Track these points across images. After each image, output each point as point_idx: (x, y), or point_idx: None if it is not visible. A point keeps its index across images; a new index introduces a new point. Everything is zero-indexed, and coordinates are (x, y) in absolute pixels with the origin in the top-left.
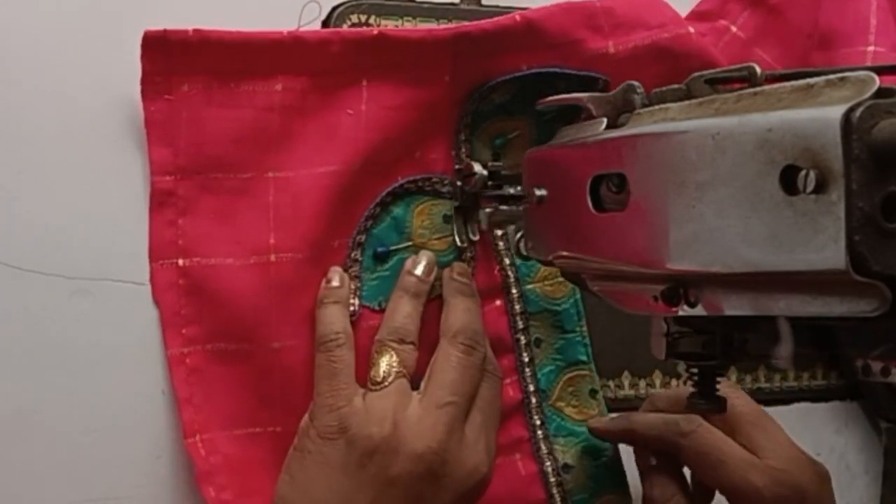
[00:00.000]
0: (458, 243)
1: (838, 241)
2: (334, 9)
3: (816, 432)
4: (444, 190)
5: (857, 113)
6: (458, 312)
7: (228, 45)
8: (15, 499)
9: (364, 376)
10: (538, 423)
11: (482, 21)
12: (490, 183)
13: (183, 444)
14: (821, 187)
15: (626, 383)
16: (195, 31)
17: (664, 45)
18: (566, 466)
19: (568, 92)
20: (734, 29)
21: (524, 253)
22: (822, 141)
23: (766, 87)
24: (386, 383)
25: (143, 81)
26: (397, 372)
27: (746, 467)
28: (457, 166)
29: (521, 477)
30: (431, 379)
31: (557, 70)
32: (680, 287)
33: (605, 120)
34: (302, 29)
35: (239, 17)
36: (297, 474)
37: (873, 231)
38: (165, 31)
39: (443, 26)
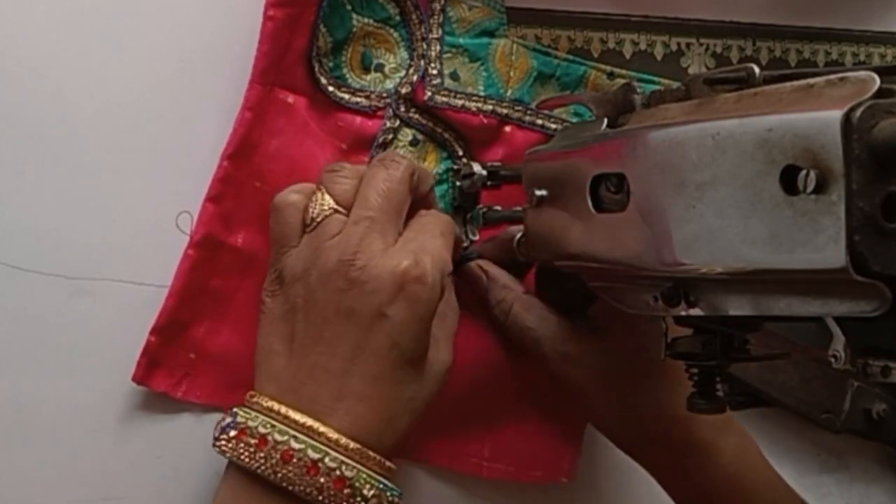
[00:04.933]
0: None
1: (838, 240)
2: None
3: (816, 432)
4: (387, 125)
5: (858, 113)
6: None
7: None
8: (15, 499)
9: None
10: None
11: None
12: (489, 183)
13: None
14: (821, 187)
15: None
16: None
17: None
18: None
19: None
20: None
21: (524, 253)
22: (822, 141)
23: (766, 88)
24: (314, 224)
25: None
26: (323, 210)
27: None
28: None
29: None
30: (353, 202)
31: None
32: (680, 287)
33: (605, 120)
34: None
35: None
36: (258, 340)
37: (873, 231)
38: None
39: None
